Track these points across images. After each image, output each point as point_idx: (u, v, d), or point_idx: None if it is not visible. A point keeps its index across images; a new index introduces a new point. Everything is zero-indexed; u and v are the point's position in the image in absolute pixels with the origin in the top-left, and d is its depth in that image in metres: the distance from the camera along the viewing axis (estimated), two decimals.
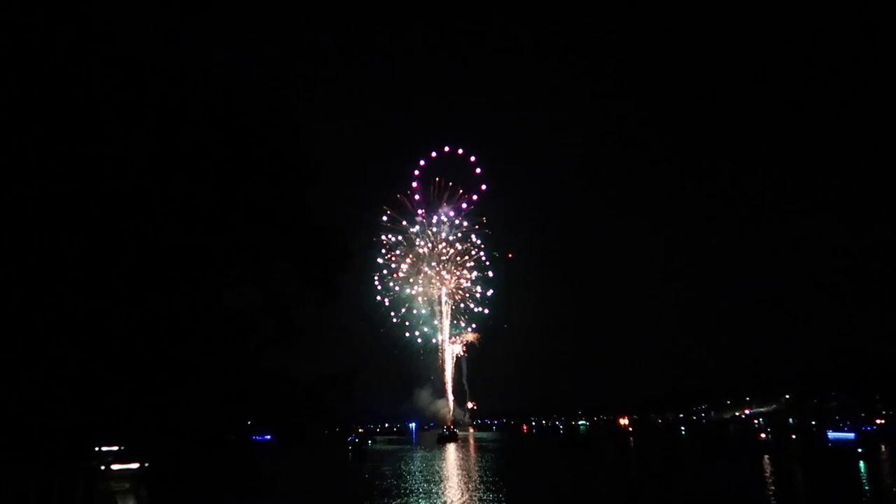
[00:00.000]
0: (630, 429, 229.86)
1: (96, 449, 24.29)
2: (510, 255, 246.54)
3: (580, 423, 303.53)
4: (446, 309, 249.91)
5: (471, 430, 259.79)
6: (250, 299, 24.02)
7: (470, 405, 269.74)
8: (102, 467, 24.49)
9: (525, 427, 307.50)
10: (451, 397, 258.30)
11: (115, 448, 24.80)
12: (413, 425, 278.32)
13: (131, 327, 19.31)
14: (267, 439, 41.07)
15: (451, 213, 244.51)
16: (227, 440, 30.77)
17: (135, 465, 25.57)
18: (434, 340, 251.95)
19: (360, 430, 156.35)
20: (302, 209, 23.77)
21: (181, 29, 20.73)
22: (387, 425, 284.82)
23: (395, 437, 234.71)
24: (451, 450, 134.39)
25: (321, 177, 24.24)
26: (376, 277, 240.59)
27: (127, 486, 25.56)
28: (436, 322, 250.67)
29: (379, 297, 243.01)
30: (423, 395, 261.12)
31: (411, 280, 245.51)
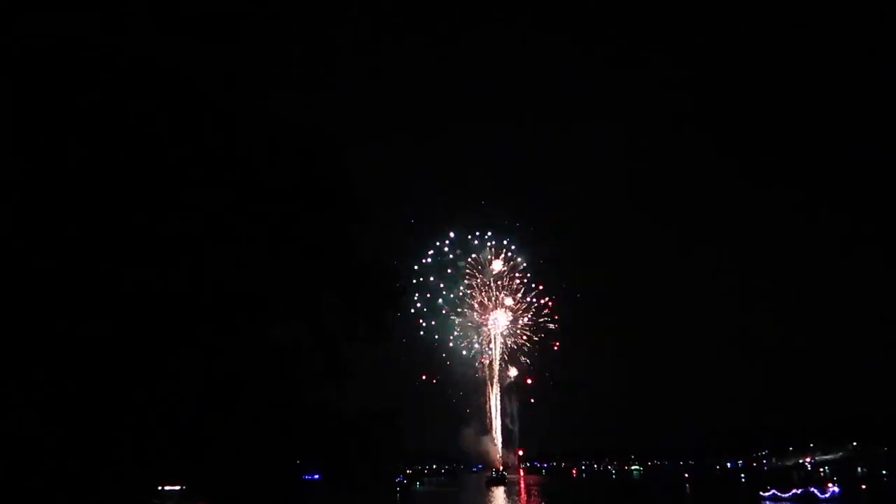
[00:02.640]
0: (686, 475, 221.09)
1: (159, 488, 24.78)
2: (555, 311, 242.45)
3: (633, 467, 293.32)
4: (496, 350, 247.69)
5: (520, 473, 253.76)
6: (298, 334, 24.36)
7: (520, 452, 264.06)
8: None
9: (574, 471, 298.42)
10: (498, 439, 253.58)
11: (178, 487, 25.23)
12: (461, 467, 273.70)
13: (183, 365, 19.81)
14: (315, 479, 40.99)
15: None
16: (277, 480, 30.95)
17: None
18: (479, 375, 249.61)
19: (407, 472, 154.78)
20: (351, 245, 24.17)
21: (228, 67, 21.53)
22: (434, 466, 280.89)
23: (443, 478, 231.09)
24: (500, 493, 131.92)
25: (370, 214, 24.74)
26: (421, 320, 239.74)
27: None
28: (483, 362, 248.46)
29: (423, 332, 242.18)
30: (469, 435, 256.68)
31: (458, 321, 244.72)
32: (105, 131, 17.50)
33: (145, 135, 17.98)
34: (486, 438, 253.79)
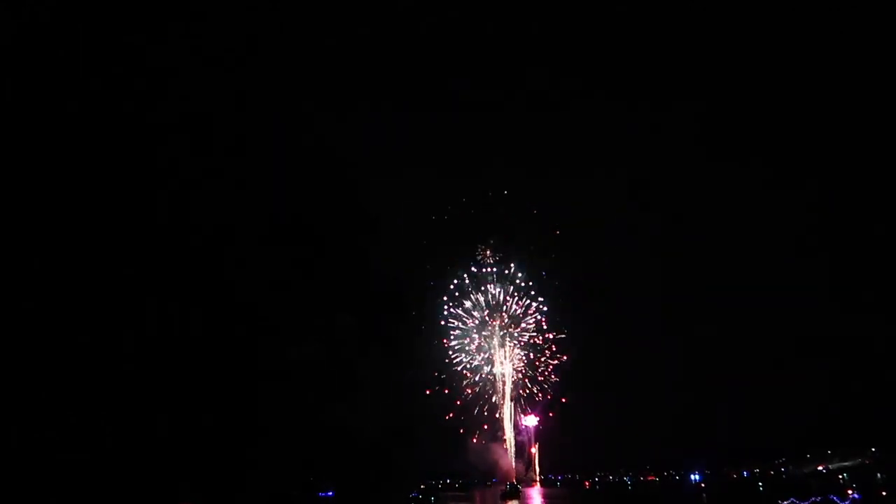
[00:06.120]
0: (702, 485, 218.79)
1: None
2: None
3: (649, 478, 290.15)
4: (508, 367, 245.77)
5: (535, 486, 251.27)
6: (313, 353, 24.48)
7: (533, 450, 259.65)
8: None
9: (587, 483, 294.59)
10: (511, 451, 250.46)
11: None
12: (475, 481, 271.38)
13: (205, 388, 19.87)
14: (329, 496, 40.91)
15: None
16: (292, 497, 30.93)
17: None
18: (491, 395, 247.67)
19: (421, 486, 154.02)
20: (363, 264, 24.31)
21: (247, 94, 21.82)
22: (448, 480, 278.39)
23: (457, 492, 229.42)
24: None
25: (380, 232, 24.87)
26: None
27: None
28: (496, 370, 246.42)
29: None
30: (478, 447, 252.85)
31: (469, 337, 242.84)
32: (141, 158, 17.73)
33: (173, 160, 18.21)
34: (496, 448, 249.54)
